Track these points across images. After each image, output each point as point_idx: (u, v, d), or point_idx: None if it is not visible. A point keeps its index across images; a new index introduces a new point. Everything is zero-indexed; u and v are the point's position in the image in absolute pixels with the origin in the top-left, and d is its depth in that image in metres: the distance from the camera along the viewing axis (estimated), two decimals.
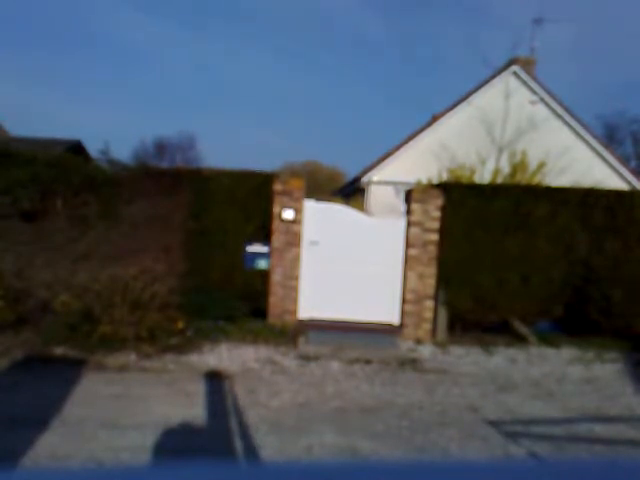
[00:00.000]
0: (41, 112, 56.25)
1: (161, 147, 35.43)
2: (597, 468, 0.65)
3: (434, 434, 3.79)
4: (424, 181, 9.49)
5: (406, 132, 13.44)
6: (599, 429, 4.03)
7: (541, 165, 9.94)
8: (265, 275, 6.76)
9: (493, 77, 12.83)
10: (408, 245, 6.74)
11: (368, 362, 5.61)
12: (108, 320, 5.38)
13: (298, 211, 6.70)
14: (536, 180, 9.66)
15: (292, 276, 6.77)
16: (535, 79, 12.99)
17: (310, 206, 6.85)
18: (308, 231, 6.82)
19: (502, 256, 6.62)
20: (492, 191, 6.83)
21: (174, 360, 5.42)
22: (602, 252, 6.60)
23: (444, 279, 6.69)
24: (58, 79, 61.58)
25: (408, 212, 6.84)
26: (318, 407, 4.26)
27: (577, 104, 40.70)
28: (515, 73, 12.79)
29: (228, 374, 5.04)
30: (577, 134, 12.90)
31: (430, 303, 6.73)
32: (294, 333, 6.43)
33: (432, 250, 6.69)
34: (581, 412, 4.41)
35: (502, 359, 6.08)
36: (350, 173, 23.08)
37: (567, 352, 6.41)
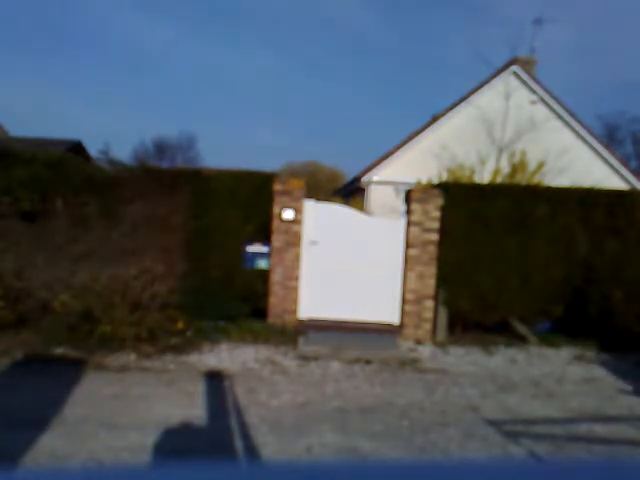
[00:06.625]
0: (41, 112, 56.29)
1: (161, 147, 35.47)
2: (597, 468, 0.65)
3: (434, 434, 3.79)
4: (424, 181, 9.49)
5: (406, 132, 13.45)
6: (599, 429, 4.03)
7: (541, 165, 9.94)
8: (265, 275, 6.76)
9: (493, 77, 12.83)
10: (408, 245, 6.74)
11: (368, 362, 5.61)
12: (108, 320, 5.38)
13: (298, 211, 6.70)
14: (536, 180, 9.66)
15: (292, 276, 6.77)
16: (535, 79, 13.00)
17: (310, 206, 6.85)
18: (308, 231, 6.82)
19: (502, 256, 6.62)
20: (492, 191, 6.83)
21: (174, 360, 5.42)
22: (602, 252, 6.60)
23: (444, 279, 6.69)
24: (58, 79, 61.62)
25: (408, 212, 6.84)
26: (318, 407, 4.26)
27: (577, 104, 40.78)
28: (515, 73, 12.80)
29: (228, 374, 5.04)
30: (577, 134, 12.91)
31: (430, 303, 6.73)
32: (294, 333, 6.43)
33: (432, 250, 6.68)
34: (581, 412, 4.41)
35: (502, 359, 6.08)
36: (350, 174, 23.09)
37: (567, 352, 6.41)
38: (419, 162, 11.86)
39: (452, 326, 6.86)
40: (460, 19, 59.88)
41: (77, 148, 13.76)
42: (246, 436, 3.60)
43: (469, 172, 9.90)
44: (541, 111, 12.58)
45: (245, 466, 1.71)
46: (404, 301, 6.78)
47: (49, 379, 4.66)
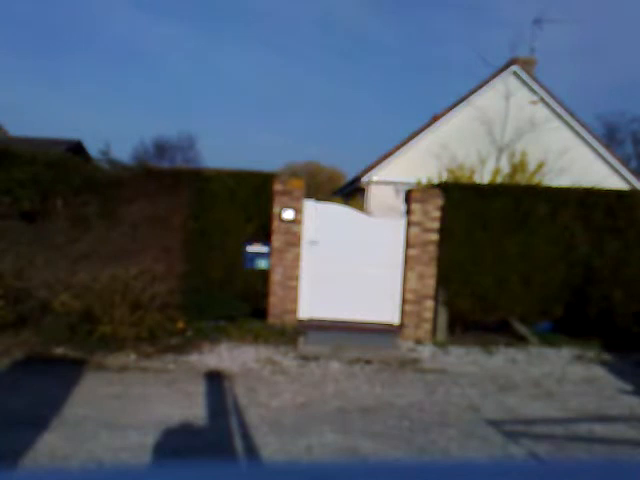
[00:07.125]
0: (41, 112, 56.32)
1: (161, 147, 35.48)
2: (597, 468, 0.65)
3: (434, 434, 3.79)
4: (424, 181, 9.48)
5: (406, 132, 13.44)
6: (599, 429, 4.03)
7: (541, 165, 9.94)
8: (265, 275, 6.75)
9: (493, 77, 12.81)
10: (408, 245, 6.73)
11: (368, 362, 5.61)
12: (108, 320, 5.38)
13: (298, 211, 6.70)
14: (536, 180, 9.65)
15: (292, 276, 6.77)
16: (535, 79, 12.98)
17: (310, 206, 6.84)
18: (308, 231, 6.82)
19: (502, 256, 6.62)
20: (492, 191, 6.83)
21: (174, 360, 5.42)
22: (602, 252, 6.60)
23: (444, 279, 6.69)
24: (58, 79, 61.65)
25: (408, 212, 6.84)
26: (318, 407, 4.25)
27: (577, 104, 40.80)
28: (515, 73, 12.78)
29: (228, 374, 5.04)
30: (577, 134, 12.89)
31: (430, 303, 6.73)
32: (294, 333, 6.43)
33: (432, 250, 6.68)
34: (581, 412, 4.41)
35: (502, 359, 6.08)
36: (350, 174, 23.13)
37: (567, 352, 6.41)
38: (419, 162, 11.84)
39: (452, 326, 6.86)
40: (460, 19, 59.92)
41: (77, 148, 13.74)
42: (246, 436, 3.60)
43: (469, 172, 9.89)
44: (541, 111, 12.55)
45: (245, 466, 1.71)
46: (404, 301, 6.78)
47: (49, 379, 4.66)
